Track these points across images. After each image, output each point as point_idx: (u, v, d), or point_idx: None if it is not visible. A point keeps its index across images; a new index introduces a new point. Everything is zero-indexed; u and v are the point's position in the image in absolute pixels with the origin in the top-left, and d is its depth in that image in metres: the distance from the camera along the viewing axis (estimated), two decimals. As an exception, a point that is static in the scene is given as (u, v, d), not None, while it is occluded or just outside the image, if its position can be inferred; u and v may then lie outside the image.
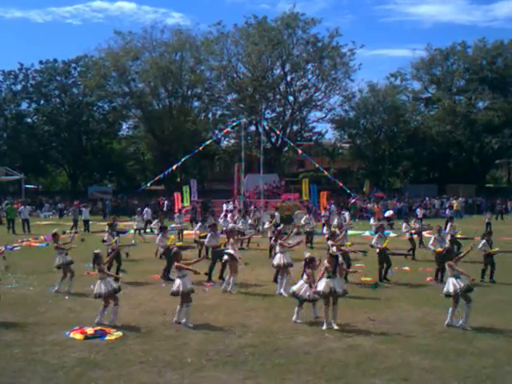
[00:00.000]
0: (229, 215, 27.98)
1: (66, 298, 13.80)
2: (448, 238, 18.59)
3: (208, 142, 43.90)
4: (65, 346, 9.89)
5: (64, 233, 23.67)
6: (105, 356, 9.39)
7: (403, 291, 14.82)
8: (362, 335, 10.57)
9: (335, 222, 24.22)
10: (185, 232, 27.22)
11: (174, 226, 26.98)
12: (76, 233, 27.93)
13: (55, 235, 15.13)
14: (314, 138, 67.85)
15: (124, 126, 71.19)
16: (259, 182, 38.43)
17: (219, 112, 66.01)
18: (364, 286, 15.34)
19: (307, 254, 11.97)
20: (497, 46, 62.98)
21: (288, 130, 61.58)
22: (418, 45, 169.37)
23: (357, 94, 64.82)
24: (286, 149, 64.59)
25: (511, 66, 62.41)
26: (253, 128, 61.81)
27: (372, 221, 27.56)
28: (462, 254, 12.40)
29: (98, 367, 8.86)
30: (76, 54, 66.10)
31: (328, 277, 11.07)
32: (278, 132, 55.61)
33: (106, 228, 17.72)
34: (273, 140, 62.43)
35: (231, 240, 15.14)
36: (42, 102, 65.80)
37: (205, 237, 18.01)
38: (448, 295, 11.19)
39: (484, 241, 16.10)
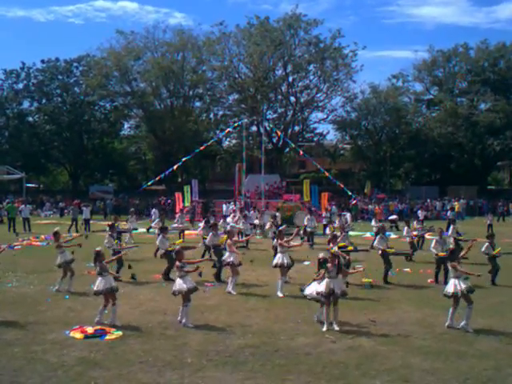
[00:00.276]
0: (231, 215, 27.97)
1: (66, 297, 13.78)
2: (451, 240, 18.55)
3: (209, 143, 43.92)
4: (65, 345, 9.88)
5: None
6: (105, 355, 9.37)
7: (404, 292, 14.79)
8: (363, 336, 10.54)
9: (336, 223, 24.18)
10: (186, 232, 27.17)
11: (175, 226, 26.95)
12: (80, 235, 27.90)
13: (56, 234, 15.12)
14: (315, 139, 67.94)
15: (125, 126, 71.42)
16: (260, 183, 38.40)
17: (221, 112, 66.22)
18: (364, 287, 15.31)
19: (321, 254, 11.98)
20: (499, 47, 63.04)
21: (289, 131, 61.61)
22: (420, 46, 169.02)
23: (358, 95, 64.99)
24: (288, 149, 64.59)
25: (513, 68, 62.46)
26: (254, 128, 61.90)
27: (373, 222, 27.52)
28: (462, 254, 12.38)
29: (98, 366, 8.84)
30: (78, 54, 66.23)
31: (329, 277, 11.05)
32: (279, 133, 55.65)
33: (107, 229, 17.72)
34: (274, 141, 62.45)
35: (228, 241, 15.13)
36: (43, 101, 65.86)
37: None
38: (447, 296, 11.17)
39: (487, 243, 16.07)
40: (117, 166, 70.68)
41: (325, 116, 64.83)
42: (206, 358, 9.25)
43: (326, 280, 11.05)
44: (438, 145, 64.27)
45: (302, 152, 44.29)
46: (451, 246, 14.16)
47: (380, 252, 16.33)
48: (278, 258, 14.63)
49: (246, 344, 10.02)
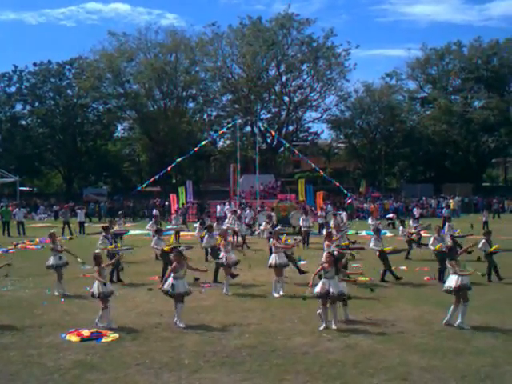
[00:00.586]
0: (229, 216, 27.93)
1: (62, 300, 13.74)
2: (448, 238, 18.56)
3: (203, 143, 43.85)
4: (61, 348, 9.84)
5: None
6: (101, 358, 9.34)
7: (401, 290, 14.79)
8: (360, 335, 10.53)
9: (331, 223, 24.17)
10: (181, 233, 27.11)
11: (170, 227, 26.89)
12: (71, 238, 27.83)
13: (52, 235, 15.05)
14: (309, 139, 67.93)
15: (119, 128, 71.28)
16: (255, 183, 38.36)
17: (214, 113, 66.17)
18: (361, 286, 15.29)
19: (335, 253, 11.99)
20: (492, 45, 63.22)
21: (284, 131, 61.64)
22: (414, 44, 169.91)
23: (352, 93, 65.05)
24: (282, 149, 64.63)
25: (507, 65, 62.65)
26: (248, 129, 61.90)
27: (370, 220, 27.52)
28: (460, 251, 12.40)
29: (95, 369, 8.81)
30: (70, 56, 66.14)
31: (325, 277, 11.03)
32: (273, 132, 55.66)
33: (101, 231, 17.67)
34: (268, 140, 62.46)
35: (222, 242, 15.12)
36: (36, 104, 65.68)
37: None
38: (449, 291, 11.14)
39: (484, 240, 16.08)
40: (111, 168, 70.53)
41: (319, 115, 65.00)
42: (203, 359, 9.23)
43: (322, 280, 11.04)
44: (433, 142, 64.38)
45: (296, 151, 44.25)
46: (449, 244, 14.14)
47: (378, 253, 16.32)
48: (272, 259, 14.64)
49: (243, 344, 10.00)
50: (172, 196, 42.01)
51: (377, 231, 17.15)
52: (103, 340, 10.30)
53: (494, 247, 16.00)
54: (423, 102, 68.92)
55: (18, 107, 66.37)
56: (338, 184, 35.72)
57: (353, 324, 11.30)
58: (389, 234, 27.85)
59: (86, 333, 10.57)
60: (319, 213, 31.24)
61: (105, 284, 11.21)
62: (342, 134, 70.00)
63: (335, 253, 11.93)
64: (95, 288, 11.21)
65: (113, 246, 16.87)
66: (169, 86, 60.17)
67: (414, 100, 69.18)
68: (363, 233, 29.55)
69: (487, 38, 72.72)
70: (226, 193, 46.88)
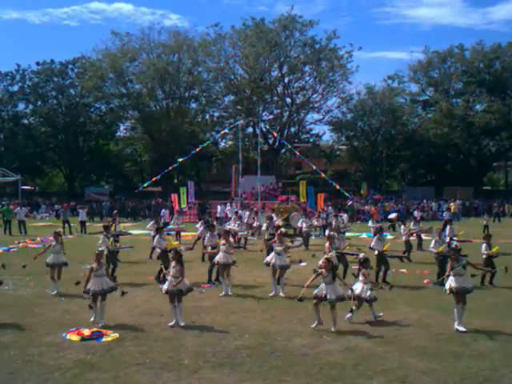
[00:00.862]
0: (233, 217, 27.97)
1: (62, 299, 13.77)
2: (447, 240, 18.57)
3: (205, 144, 43.88)
4: (61, 347, 9.87)
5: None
6: (101, 357, 9.37)
7: (400, 293, 14.80)
8: (360, 337, 10.56)
9: (333, 224, 24.18)
10: (182, 233, 27.11)
11: (171, 227, 26.91)
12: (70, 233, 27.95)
13: (57, 234, 15.06)
14: (311, 140, 67.92)
15: (121, 128, 71.28)
16: (256, 184, 38.40)
17: (216, 114, 66.20)
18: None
19: (361, 254, 12.05)
20: (494, 48, 63.20)
21: (285, 132, 61.67)
22: (416, 47, 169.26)
23: (354, 96, 65.06)
24: (284, 151, 64.64)
25: (509, 69, 62.63)
26: (250, 130, 61.87)
27: (370, 223, 27.52)
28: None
29: (95, 369, 8.84)
30: (73, 56, 66.35)
31: (324, 283, 11.11)
32: (275, 134, 55.66)
33: (102, 230, 17.75)
34: (270, 142, 62.47)
35: (222, 241, 15.15)
36: (38, 103, 65.70)
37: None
38: (452, 292, 11.19)
39: (485, 244, 16.08)
40: (112, 167, 70.55)
41: (321, 117, 64.98)
42: (202, 360, 9.26)
43: (321, 285, 11.13)
44: (434, 145, 64.36)
45: (297, 153, 44.24)
46: (454, 245, 14.15)
47: (376, 253, 16.33)
48: (271, 258, 14.70)
49: (243, 345, 10.02)
50: (173, 196, 42.05)
51: (380, 230, 17.17)
52: (103, 339, 10.33)
53: (494, 249, 16.01)
54: (425, 105, 68.90)
55: (21, 106, 66.49)
56: (338, 187, 35.72)
57: (352, 326, 11.32)
58: (390, 237, 27.85)
59: (86, 332, 10.60)
60: (320, 215, 31.28)
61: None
62: (343, 136, 69.97)
63: (361, 255, 12.01)
64: (94, 284, 11.38)
65: (111, 242, 16.90)
66: (171, 86, 60.19)
67: (416, 103, 69.18)
68: (363, 235, 29.57)
69: (489, 41, 72.78)
70: (228, 193, 46.95)
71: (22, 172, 55.62)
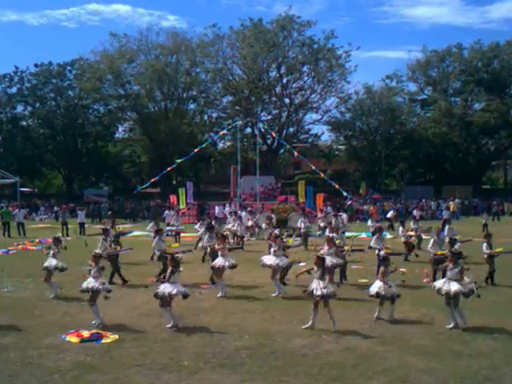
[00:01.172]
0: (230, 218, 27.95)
1: (61, 302, 13.75)
2: (447, 240, 18.55)
3: (204, 145, 43.90)
4: (61, 349, 9.85)
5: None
6: (101, 359, 9.35)
7: (400, 292, 14.75)
8: (359, 337, 10.55)
9: (333, 223, 24.14)
10: (182, 235, 27.08)
11: (169, 228, 26.88)
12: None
13: (56, 239, 15.02)
14: (310, 140, 67.91)
15: (120, 129, 71.29)
16: (255, 184, 38.40)
17: (215, 114, 66.23)
18: (360, 288, 15.31)
19: (382, 252, 12.05)
20: (492, 47, 63.26)
21: (284, 132, 61.65)
22: (414, 47, 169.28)
23: (353, 95, 65.13)
24: (282, 151, 64.63)
25: (507, 68, 62.69)
26: (249, 130, 61.94)
27: (370, 222, 27.47)
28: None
29: (95, 370, 8.82)
30: (71, 57, 66.30)
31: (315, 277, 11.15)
32: (273, 134, 55.67)
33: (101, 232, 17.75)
34: (269, 142, 62.45)
35: (218, 245, 15.14)
36: (37, 104, 65.76)
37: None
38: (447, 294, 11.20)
39: (485, 243, 16.07)
40: (111, 169, 70.59)
41: (319, 117, 65.00)
42: (202, 361, 9.25)
43: (313, 280, 11.16)
44: (433, 145, 64.43)
45: (296, 153, 44.26)
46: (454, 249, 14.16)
47: (376, 252, 16.31)
48: (270, 259, 14.68)
49: (243, 346, 10.01)
50: (172, 197, 42.02)
51: (379, 230, 17.15)
52: (103, 341, 10.31)
53: (497, 249, 16.01)
54: (423, 104, 68.95)
55: (19, 108, 66.64)
56: (337, 186, 35.74)
57: (352, 326, 11.31)
58: (389, 236, 27.82)
59: (85, 334, 10.58)
60: (319, 215, 31.25)
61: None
62: (342, 135, 70.06)
63: (381, 253, 12.05)
64: (86, 283, 11.43)
65: (109, 243, 16.90)
66: (169, 87, 60.19)
67: (415, 102, 69.23)
68: (363, 234, 29.54)
69: (488, 40, 72.65)
70: (227, 194, 46.95)
71: (20, 174, 55.50)
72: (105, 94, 61.71)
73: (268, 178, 46.02)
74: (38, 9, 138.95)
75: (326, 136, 73.73)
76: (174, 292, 11.10)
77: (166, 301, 11.14)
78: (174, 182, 64.23)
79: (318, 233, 29.09)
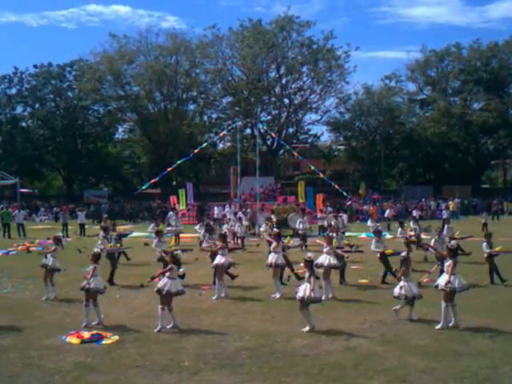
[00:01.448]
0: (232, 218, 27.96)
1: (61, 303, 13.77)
2: (447, 239, 18.56)
3: (204, 146, 43.89)
4: (61, 350, 9.85)
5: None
6: (101, 360, 9.35)
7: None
8: (359, 337, 10.55)
9: (333, 224, 24.17)
10: (181, 235, 27.09)
11: (169, 229, 26.90)
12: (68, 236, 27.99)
13: (57, 239, 15.01)
14: (309, 141, 67.96)
15: (119, 130, 71.34)
16: (255, 185, 38.39)
17: (214, 115, 66.27)
18: (360, 288, 15.33)
19: (403, 253, 12.06)
20: (491, 47, 63.27)
21: (283, 133, 61.68)
22: (413, 47, 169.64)
23: (352, 96, 65.23)
24: (282, 151, 64.66)
25: (506, 67, 62.74)
26: (248, 131, 61.96)
27: (369, 222, 27.50)
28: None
29: (95, 371, 8.82)
30: (71, 58, 66.35)
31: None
32: (273, 135, 55.65)
33: (101, 232, 17.77)
34: (268, 143, 62.46)
35: (218, 243, 15.15)
36: (36, 105, 65.81)
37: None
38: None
39: (485, 243, 16.08)
40: (111, 170, 70.59)
41: (319, 117, 65.08)
42: (202, 361, 9.25)
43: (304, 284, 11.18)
44: (432, 144, 64.46)
45: (296, 154, 44.26)
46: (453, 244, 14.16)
47: (378, 255, 16.30)
48: (272, 258, 14.68)
49: (243, 346, 10.01)
50: (172, 198, 42.02)
51: (378, 233, 17.16)
52: (103, 342, 10.31)
53: (497, 248, 16.03)
54: (422, 104, 68.96)
55: (19, 109, 66.69)
56: (337, 187, 35.70)
57: (352, 326, 11.31)
58: (388, 236, 27.84)
59: (86, 335, 10.58)
60: (319, 215, 31.27)
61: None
62: (341, 136, 70.11)
63: (403, 253, 12.08)
64: (84, 283, 11.47)
65: (111, 244, 16.92)
66: (169, 88, 60.23)
67: (414, 102, 69.25)
68: (363, 235, 29.57)
69: (486, 40, 72.80)
70: (226, 195, 46.95)
71: (20, 175, 55.44)
72: (104, 95, 61.74)
73: (268, 179, 46.04)
74: (38, 10, 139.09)
75: (326, 136, 74.17)
76: (174, 290, 11.13)
77: (167, 298, 11.16)
78: (174, 183, 64.22)
79: (316, 233, 29.14)
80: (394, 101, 66.99)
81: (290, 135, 63.32)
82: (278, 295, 14.15)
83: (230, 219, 29.19)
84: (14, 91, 65.48)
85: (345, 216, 31.34)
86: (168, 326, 11.16)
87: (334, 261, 14.42)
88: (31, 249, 24.39)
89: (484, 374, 8.61)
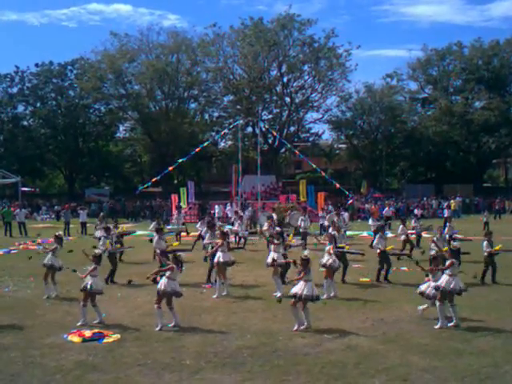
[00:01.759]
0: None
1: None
2: (447, 238, 18.57)
3: (205, 144, 43.90)
4: (63, 348, 9.87)
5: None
6: (103, 359, 9.36)
7: (401, 291, 14.80)
8: (361, 336, 10.56)
9: (335, 219, 24.15)
10: (182, 234, 27.07)
11: (170, 227, 26.89)
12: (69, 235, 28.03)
13: (58, 237, 15.01)
14: (310, 139, 67.88)
15: (121, 128, 71.16)
16: (256, 184, 38.40)
17: (216, 114, 66.15)
18: (362, 287, 15.33)
19: (432, 252, 12.06)
20: (493, 45, 63.12)
21: (285, 131, 61.58)
22: (415, 45, 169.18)
23: (353, 94, 65.00)
24: (283, 150, 64.60)
25: (507, 66, 62.61)
26: (250, 129, 61.84)
27: (371, 221, 27.52)
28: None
29: (96, 370, 8.83)
30: (72, 57, 66.03)
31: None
32: (274, 133, 55.65)
33: (102, 231, 17.78)
34: (270, 141, 62.40)
35: (220, 242, 15.15)
36: (38, 104, 65.71)
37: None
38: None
39: (486, 242, 16.07)
40: (112, 168, 70.50)
41: (320, 116, 64.93)
42: (204, 360, 9.26)
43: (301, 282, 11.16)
44: (434, 143, 64.34)
45: (297, 152, 44.26)
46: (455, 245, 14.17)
47: (378, 252, 16.28)
48: (272, 257, 14.68)
49: (244, 345, 10.02)
50: (173, 197, 42.06)
51: (381, 228, 17.15)
52: (105, 341, 10.32)
53: (497, 247, 16.01)
54: (424, 103, 68.83)
55: (20, 108, 66.48)
56: (338, 185, 35.72)
57: (353, 325, 11.31)
58: (390, 235, 27.83)
59: (87, 333, 10.60)
60: (320, 214, 31.27)
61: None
62: (343, 134, 69.94)
63: (432, 252, 12.08)
64: (90, 283, 11.48)
65: (108, 241, 16.93)
66: (170, 86, 60.16)
67: (415, 101, 69.10)
68: (364, 233, 29.57)
69: (488, 38, 72.52)
70: (228, 193, 46.95)
71: (21, 174, 55.46)
72: (106, 94, 61.65)
73: (269, 177, 46.05)
74: (39, 8, 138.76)
75: (327, 135, 73.69)
76: (169, 290, 11.14)
77: (166, 297, 11.18)
78: (176, 182, 64.20)
79: (317, 232, 29.14)
80: (396, 99, 66.82)
81: (292, 134, 63.19)
82: (278, 294, 14.15)
83: (231, 217, 29.19)
84: (15, 90, 65.35)
85: (346, 214, 31.37)
86: (170, 325, 11.17)
87: (334, 262, 14.41)
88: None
89: (485, 373, 8.61)
